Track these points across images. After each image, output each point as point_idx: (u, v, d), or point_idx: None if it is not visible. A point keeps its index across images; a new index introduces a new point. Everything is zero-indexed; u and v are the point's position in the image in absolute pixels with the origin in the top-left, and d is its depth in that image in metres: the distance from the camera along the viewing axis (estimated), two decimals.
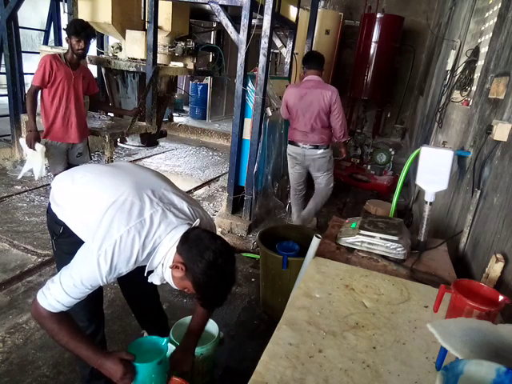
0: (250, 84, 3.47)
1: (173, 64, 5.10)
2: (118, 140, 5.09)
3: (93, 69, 5.40)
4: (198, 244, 1.27)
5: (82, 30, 3.11)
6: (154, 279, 1.41)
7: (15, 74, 4.66)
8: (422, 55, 7.93)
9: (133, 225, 1.27)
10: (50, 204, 1.57)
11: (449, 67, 3.67)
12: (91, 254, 1.25)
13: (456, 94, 3.00)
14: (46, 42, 5.61)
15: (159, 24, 4.38)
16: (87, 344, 1.35)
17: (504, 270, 1.41)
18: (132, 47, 4.55)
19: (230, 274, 1.33)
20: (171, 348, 1.64)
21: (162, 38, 4.75)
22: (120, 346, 2.20)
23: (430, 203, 1.83)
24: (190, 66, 5.26)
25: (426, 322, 1.06)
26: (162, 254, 1.31)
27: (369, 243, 1.72)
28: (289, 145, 3.67)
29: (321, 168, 3.61)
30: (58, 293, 1.27)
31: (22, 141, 3.34)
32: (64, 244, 1.58)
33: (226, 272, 1.30)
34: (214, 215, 4.05)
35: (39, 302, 1.28)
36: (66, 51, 3.33)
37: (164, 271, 1.34)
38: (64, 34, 5.50)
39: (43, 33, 5.65)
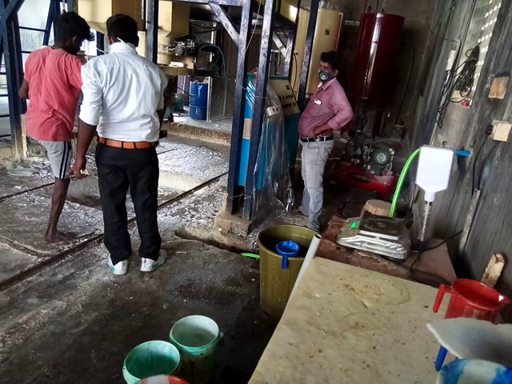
0: (249, 84, 3.47)
1: (173, 64, 5.09)
2: None
3: None
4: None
5: None
6: None
7: (15, 74, 4.66)
8: (422, 55, 7.94)
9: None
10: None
11: (449, 67, 3.67)
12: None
13: (456, 94, 3.00)
14: (46, 42, 5.61)
15: (159, 24, 4.37)
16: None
17: (504, 270, 1.41)
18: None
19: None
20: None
21: (162, 38, 4.75)
22: (120, 345, 2.20)
23: (430, 203, 1.83)
24: (190, 66, 5.26)
25: (425, 321, 1.06)
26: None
27: (369, 243, 1.72)
28: (331, 140, 3.93)
29: None
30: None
31: None
32: None
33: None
34: (213, 215, 4.05)
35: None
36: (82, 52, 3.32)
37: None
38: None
39: (43, 33, 5.65)
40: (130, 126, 2.54)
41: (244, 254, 3.43)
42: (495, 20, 2.39)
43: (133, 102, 2.49)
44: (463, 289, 1.17)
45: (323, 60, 3.77)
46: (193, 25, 5.81)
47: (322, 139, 3.81)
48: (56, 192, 3.16)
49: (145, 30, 4.41)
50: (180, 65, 5.18)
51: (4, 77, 4.78)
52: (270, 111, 3.59)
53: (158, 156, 2.86)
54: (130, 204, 2.95)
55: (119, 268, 2.86)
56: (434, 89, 4.71)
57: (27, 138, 4.95)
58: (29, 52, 4.88)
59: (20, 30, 4.72)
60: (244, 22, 3.23)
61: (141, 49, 4.51)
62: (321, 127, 3.72)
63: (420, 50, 7.94)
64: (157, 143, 2.82)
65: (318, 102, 3.79)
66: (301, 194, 4.34)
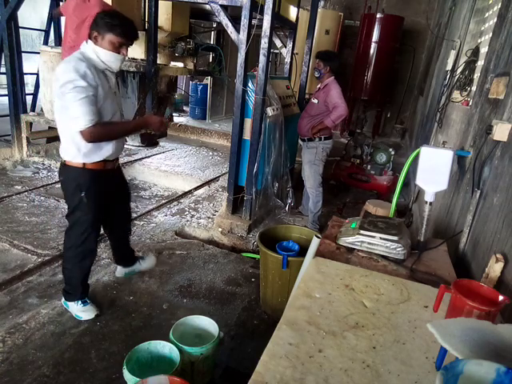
0: (250, 84, 3.47)
1: (173, 64, 5.10)
2: None
3: None
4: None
5: None
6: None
7: (15, 74, 4.66)
8: (422, 55, 7.94)
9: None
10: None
11: (449, 67, 3.67)
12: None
13: (456, 94, 3.00)
14: (46, 42, 5.61)
15: (159, 24, 4.38)
16: (124, 123, 2.29)
17: (504, 270, 1.41)
18: (132, 47, 4.55)
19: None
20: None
21: (162, 38, 4.75)
22: (120, 345, 2.20)
23: (430, 203, 1.83)
24: (190, 66, 5.26)
25: (425, 321, 1.06)
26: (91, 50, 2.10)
27: (369, 243, 1.72)
28: (330, 140, 3.91)
29: None
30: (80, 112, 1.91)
31: None
32: None
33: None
34: (213, 215, 4.05)
35: (82, 129, 1.93)
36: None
37: (99, 51, 2.12)
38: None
39: (43, 33, 5.65)
40: None
41: (244, 254, 3.43)
42: (495, 20, 2.39)
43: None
44: (463, 289, 1.17)
45: (316, 57, 3.85)
46: (193, 25, 5.82)
47: (320, 139, 3.82)
48: None
49: (145, 30, 4.42)
50: (180, 65, 5.18)
51: (4, 77, 4.78)
52: (269, 111, 3.59)
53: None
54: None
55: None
56: (434, 89, 4.71)
57: (27, 138, 4.95)
58: (29, 52, 4.90)
59: (20, 29, 4.72)
60: (244, 21, 3.23)
61: (141, 49, 4.51)
62: (317, 126, 3.73)
63: (420, 50, 7.94)
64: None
65: (315, 101, 3.82)
66: (301, 194, 4.34)
